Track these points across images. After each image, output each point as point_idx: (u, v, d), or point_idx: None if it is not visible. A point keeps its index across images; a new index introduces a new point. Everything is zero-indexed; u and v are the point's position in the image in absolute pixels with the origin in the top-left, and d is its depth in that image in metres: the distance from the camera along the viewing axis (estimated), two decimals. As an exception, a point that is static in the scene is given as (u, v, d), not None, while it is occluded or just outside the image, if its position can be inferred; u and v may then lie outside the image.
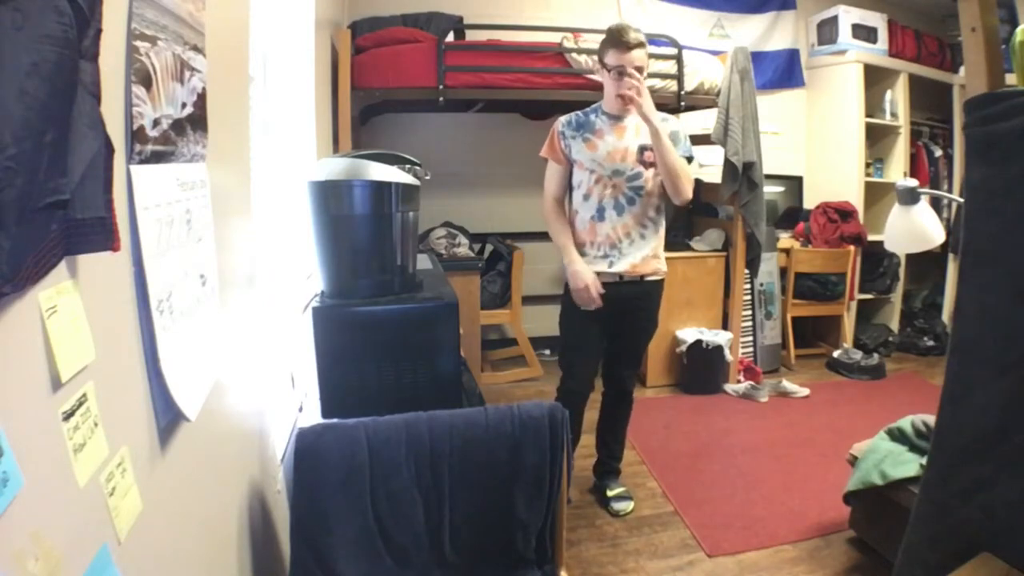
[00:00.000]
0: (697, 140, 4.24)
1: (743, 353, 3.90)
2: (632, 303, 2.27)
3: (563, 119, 2.28)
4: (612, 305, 2.22)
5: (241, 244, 1.32)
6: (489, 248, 4.01)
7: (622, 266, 2.21)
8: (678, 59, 3.44)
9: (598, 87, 3.27)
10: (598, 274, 2.20)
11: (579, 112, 2.30)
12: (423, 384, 1.69)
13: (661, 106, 3.82)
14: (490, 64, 3.20)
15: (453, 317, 1.70)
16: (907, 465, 1.94)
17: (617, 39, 2.10)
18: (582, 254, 2.23)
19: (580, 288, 2.19)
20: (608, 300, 2.21)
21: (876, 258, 4.43)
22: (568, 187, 2.32)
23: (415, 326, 1.70)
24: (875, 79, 4.34)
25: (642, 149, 2.20)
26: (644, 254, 2.23)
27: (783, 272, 4.12)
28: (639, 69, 2.12)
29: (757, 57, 4.31)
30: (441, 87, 3.13)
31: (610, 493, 2.47)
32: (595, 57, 3.44)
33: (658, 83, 3.43)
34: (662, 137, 2.11)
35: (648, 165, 2.21)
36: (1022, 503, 1.16)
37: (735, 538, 2.25)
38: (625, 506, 2.43)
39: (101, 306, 0.70)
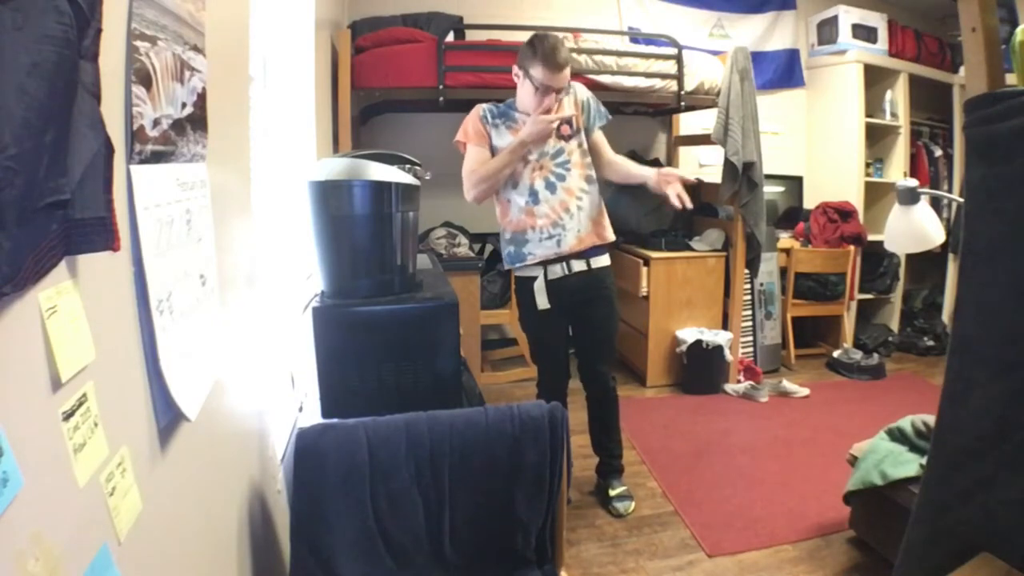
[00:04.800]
0: (697, 140, 4.26)
1: (743, 353, 3.90)
2: (586, 293, 2.27)
3: (484, 107, 2.26)
4: (565, 298, 2.25)
5: (241, 244, 1.32)
6: (489, 248, 4.01)
7: (570, 240, 2.20)
8: (678, 59, 3.44)
9: (598, 87, 3.27)
10: (545, 264, 2.21)
11: (498, 103, 2.29)
12: (423, 384, 1.69)
13: (661, 106, 3.85)
14: (490, 64, 3.20)
15: (453, 317, 1.70)
16: (907, 465, 1.94)
17: (547, 57, 2.05)
18: (524, 241, 2.22)
19: (540, 127, 2.10)
20: (560, 296, 2.24)
21: (876, 258, 4.42)
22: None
23: (415, 326, 1.70)
24: (875, 79, 4.34)
25: (559, 124, 2.18)
26: (586, 223, 2.23)
27: (783, 272, 4.12)
28: (562, 90, 2.15)
29: (757, 57, 4.31)
30: (441, 87, 3.13)
31: (612, 493, 2.47)
32: (596, 57, 3.46)
33: (658, 83, 3.44)
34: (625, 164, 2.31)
35: (567, 138, 2.21)
36: (1022, 503, 1.16)
37: (735, 538, 2.25)
38: (626, 506, 2.43)
39: (101, 306, 0.70)
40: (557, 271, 2.24)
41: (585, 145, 2.26)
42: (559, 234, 2.20)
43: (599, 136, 2.33)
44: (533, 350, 2.44)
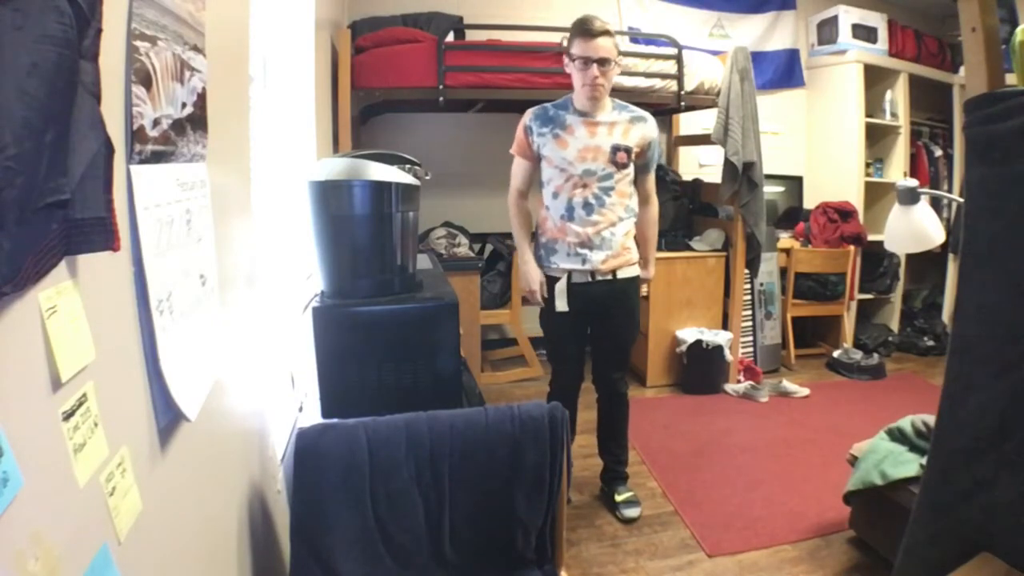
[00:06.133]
0: (697, 140, 4.26)
1: (743, 353, 3.90)
2: (607, 303, 2.26)
3: (531, 113, 2.24)
4: (587, 306, 2.24)
5: (241, 244, 1.32)
6: (489, 248, 4.01)
7: (595, 262, 2.19)
8: (678, 59, 3.44)
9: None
10: (571, 272, 2.22)
11: (548, 105, 2.25)
12: (423, 384, 1.69)
13: (661, 106, 3.84)
14: (490, 64, 3.20)
15: (453, 317, 1.70)
16: (907, 465, 1.94)
17: (581, 27, 2.08)
18: (553, 251, 2.23)
19: (526, 290, 2.29)
20: (582, 301, 2.23)
21: (876, 258, 4.43)
22: (532, 181, 2.33)
23: (415, 326, 1.70)
24: (875, 79, 4.34)
25: (615, 149, 2.17)
26: (616, 249, 2.21)
27: (783, 272, 4.12)
28: (604, 60, 2.09)
29: (757, 57, 4.31)
30: (441, 87, 3.13)
31: (619, 498, 2.44)
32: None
33: (658, 83, 3.44)
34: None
35: (620, 166, 2.18)
36: (1022, 503, 1.16)
37: (735, 538, 2.25)
38: (634, 512, 2.39)
39: (101, 306, 0.70)
40: (581, 277, 2.23)
41: (631, 177, 2.24)
42: (586, 254, 2.19)
43: (650, 182, 2.35)
44: (550, 348, 2.44)
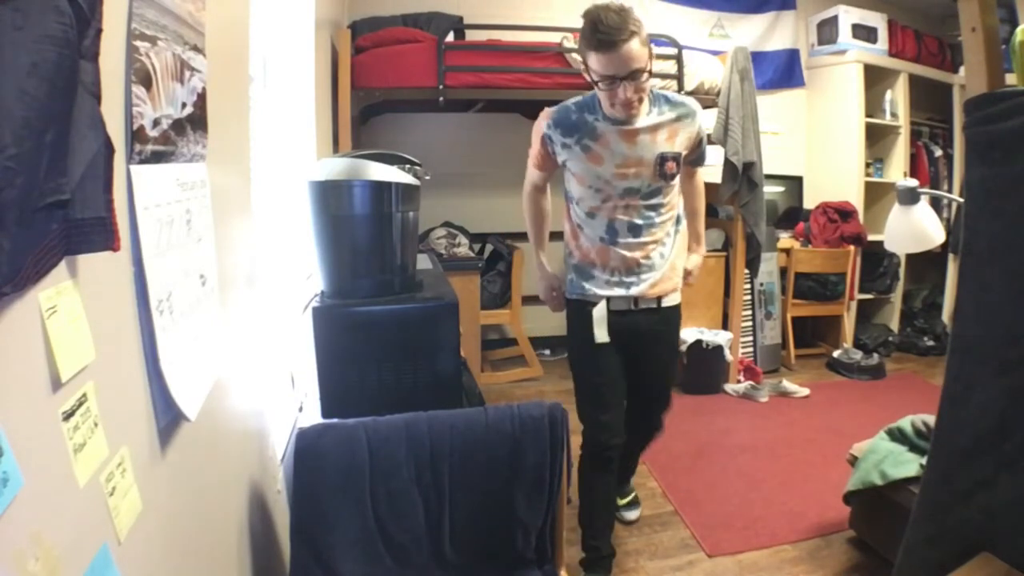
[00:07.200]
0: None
1: (743, 353, 3.90)
2: (649, 335, 1.89)
3: (549, 117, 1.79)
4: (628, 338, 1.86)
5: (241, 244, 1.32)
6: (489, 248, 4.02)
7: (641, 288, 1.82)
8: (678, 59, 3.44)
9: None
10: (610, 299, 1.83)
11: (571, 105, 1.78)
12: (423, 384, 1.69)
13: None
14: (490, 64, 3.20)
15: (453, 317, 1.70)
16: (907, 465, 1.94)
17: (595, 37, 1.56)
18: (589, 275, 1.85)
19: (545, 300, 2.03)
20: (622, 332, 1.85)
21: (876, 258, 4.43)
22: (551, 179, 1.99)
23: (415, 326, 1.70)
24: (875, 79, 4.34)
25: (662, 160, 1.74)
26: (665, 270, 1.85)
27: (783, 272, 4.12)
28: (636, 73, 1.59)
29: (757, 57, 4.31)
30: (441, 87, 3.13)
31: (621, 502, 2.39)
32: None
33: (658, 83, 3.43)
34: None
35: (670, 177, 1.78)
36: (1022, 503, 1.16)
37: (735, 538, 2.25)
38: (634, 515, 2.39)
39: (101, 306, 0.70)
40: (622, 304, 1.84)
41: (680, 178, 1.86)
42: (632, 282, 1.82)
43: (698, 172, 2.05)
44: (583, 396, 1.92)
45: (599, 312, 1.83)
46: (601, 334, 1.83)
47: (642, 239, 1.81)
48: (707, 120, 3.82)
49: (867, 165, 4.38)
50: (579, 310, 1.88)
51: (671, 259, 1.87)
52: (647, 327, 1.87)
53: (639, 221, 1.79)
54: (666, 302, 1.89)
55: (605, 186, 1.77)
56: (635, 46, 1.56)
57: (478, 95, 3.32)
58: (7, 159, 0.49)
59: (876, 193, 4.40)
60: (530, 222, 2.04)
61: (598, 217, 1.81)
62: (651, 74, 1.64)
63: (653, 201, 1.79)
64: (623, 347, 1.87)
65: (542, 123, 1.81)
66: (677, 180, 1.83)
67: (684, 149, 1.80)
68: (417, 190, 1.80)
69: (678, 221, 1.90)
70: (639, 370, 1.92)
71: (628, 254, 1.81)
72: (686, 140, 1.80)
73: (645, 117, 1.74)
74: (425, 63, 3.13)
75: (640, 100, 1.68)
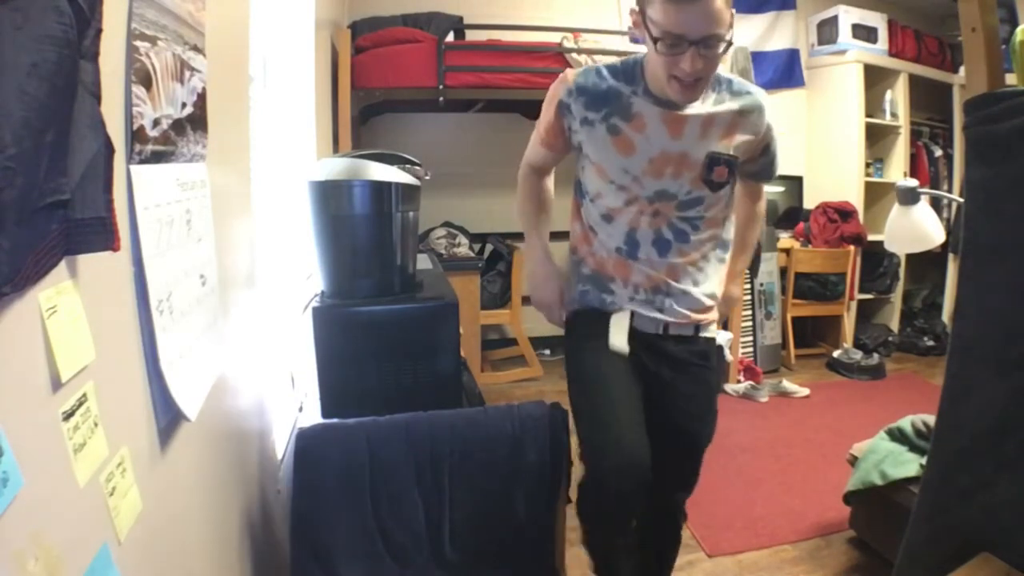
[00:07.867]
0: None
1: (743, 353, 3.90)
2: (682, 366, 1.42)
3: (571, 80, 1.35)
4: (654, 361, 1.41)
5: (241, 244, 1.32)
6: (489, 248, 4.02)
7: (673, 314, 1.39)
8: (678, 59, 3.43)
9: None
10: (634, 315, 1.40)
11: (603, 68, 1.34)
12: (423, 384, 1.69)
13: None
14: (490, 64, 3.21)
15: (453, 317, 1.70)
16: (907, 465, 1.94)
17: None
18: (606, 287, 1.42)
19: (539, 307, 1.54)
20: (645, 350, 1.41)
21: (876, 258, 4.43)
22: (557, 164, 1.54)
23: (415, 326, 1.70)
24: (875, 79, 4.34)
25: (712, 162, 1.32)
26: (703, 296, 1.41)
27: (783, 272, 4.12)
28: (711, 39, 1.16)
29: (757, 57, 4.31)
30: (441, 87, 3.13)
31: None
32: (596, 57, 3.44)
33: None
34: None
35: (717, 186, 1.35)
36: (1022, 503, 1.16)
37: (735, 538, 2.25)
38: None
39: (101, 306, 0.70)
40: (650, 326, 1.40)
41: (730, 195, 1.42)
42: (659, 301, 1.39)
43: (761, 190, 1.59)
44: (587, 414, 1.37)
45: (621, 318, 1.40)
46: (619, 339, 1.38)
47: (669, 258, 1.37)
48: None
49: (867, 165, 4.38)
50: (589, 316, 1.44)
51: (714, 283, 1.44)
52: (681, 355, 1.42)
53: (668, 235, 1.36)
54: (705, 332, 1.45)
55: (632, 184, 1.34)
56: (720, 3, 1.14)
57: (478, 95, 3.33)
58: (7, 159, 0.49)
59: (876, 193, 4.40)
60: (523, 202, 1.54)
61: (616, 222, 1.38)
62: (730, 45, 1.21)
63: (690, 213, 1.36)
64: (644, 370, 1.40)
65: (560, 88, 1.36)
66: (726, 193, 1.39)
67: (742, 154, 1.36)
68: (417, 190, 1.80)
69: (722, 246, 1.44)
70: (661, 417, 1.39)
71: (652, 271, 1.38)
72: (746, 142, 1.35)
73: (700, 103, 1.30)
74: (425, 63, 3.13)
75: (706, 80, 1.26)
